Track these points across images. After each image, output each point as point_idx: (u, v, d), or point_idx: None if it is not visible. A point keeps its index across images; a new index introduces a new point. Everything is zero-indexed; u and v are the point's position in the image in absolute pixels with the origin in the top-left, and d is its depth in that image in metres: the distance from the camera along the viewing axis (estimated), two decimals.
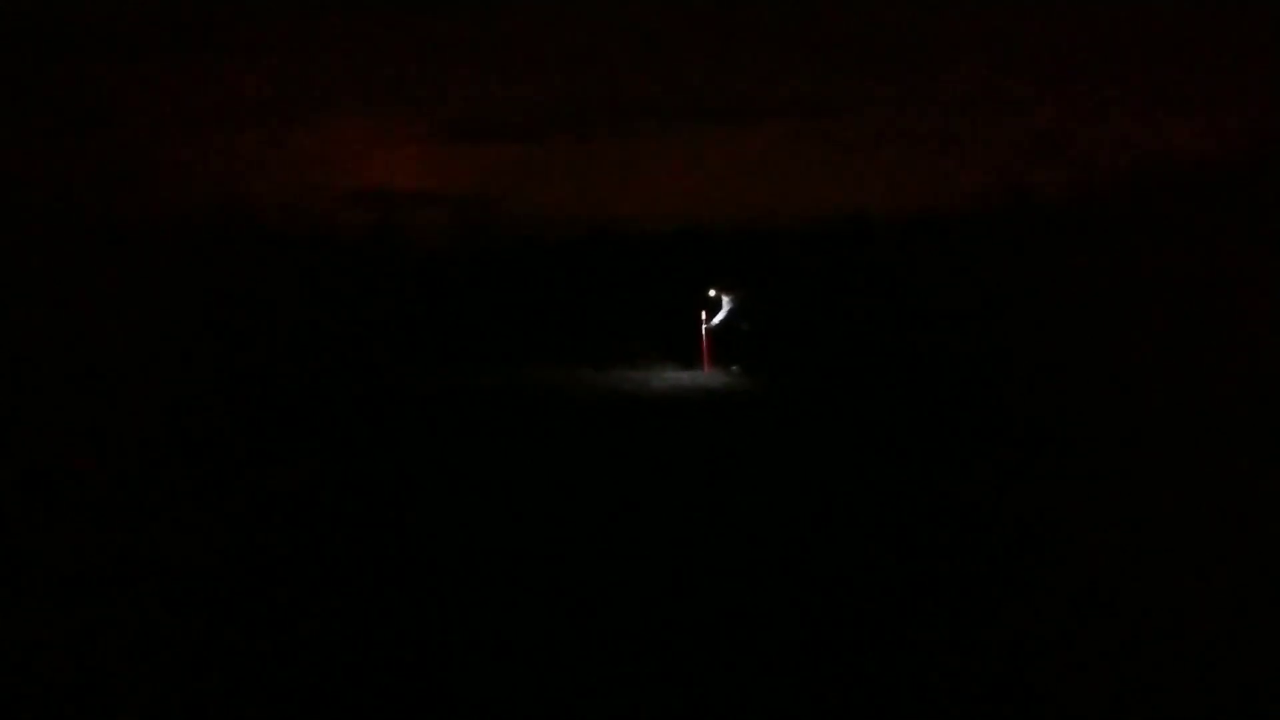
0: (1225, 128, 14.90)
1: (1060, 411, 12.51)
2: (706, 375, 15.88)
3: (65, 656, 5.93)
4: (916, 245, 16.01)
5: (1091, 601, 6.60)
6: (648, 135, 16.13)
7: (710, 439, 11.40)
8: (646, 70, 15.91)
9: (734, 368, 16.16)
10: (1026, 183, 15.88)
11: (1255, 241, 13.82)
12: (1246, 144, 14.64)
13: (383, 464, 10.34)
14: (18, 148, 13.95)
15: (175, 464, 10.33)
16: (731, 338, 16.55)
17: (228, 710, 5.39)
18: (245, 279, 15.07)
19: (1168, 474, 9.37)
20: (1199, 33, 14.89)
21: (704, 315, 16.62)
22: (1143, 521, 8.16)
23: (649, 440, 11.35)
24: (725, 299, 16.78)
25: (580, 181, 16.34)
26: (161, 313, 14.43)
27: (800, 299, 16.54)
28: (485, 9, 15.35)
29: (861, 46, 15.72)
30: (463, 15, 15.27)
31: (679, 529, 8.13)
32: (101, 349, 14.11)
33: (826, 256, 16.50)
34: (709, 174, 16.58)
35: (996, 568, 7.36)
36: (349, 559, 7.51)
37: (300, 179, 15.05)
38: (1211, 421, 10.87)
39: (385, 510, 8.74)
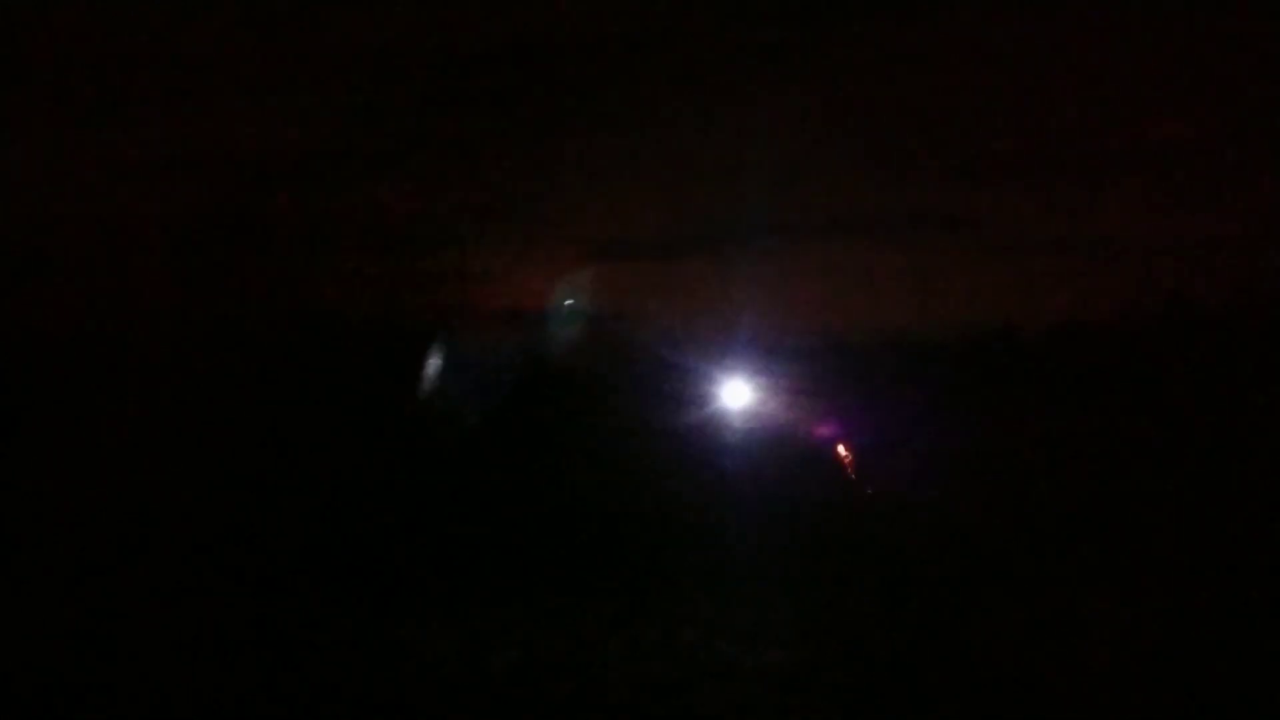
0: None
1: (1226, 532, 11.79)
2: (850, 490, 15.37)
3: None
4: (1067, 358, 15.38)
5: None
6: (785, 251, 16.19)
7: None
8: (783, 188, 16.06)
9: (875, 485, 15.51)
10: (1185, 291, 15.19)
11: None
12: None
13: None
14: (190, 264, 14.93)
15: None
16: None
17: None
18: (390, 394, 15.54)
19: None
20: None
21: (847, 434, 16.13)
22: None
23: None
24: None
25: (719, 298, 16.45)
26: (307, 424, 14.98)
27: (947, 414, 15.92)
28: (624, 132, 15.86)
29: (1000, 156, 15.55)
30: (602, 138, 15.83)
31: None
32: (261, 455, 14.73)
33: (972, 370, 15.94)
34: (849, 289, 16.46)
35: None
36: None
37: (445, 297, 15.60)
38: None
39: None
